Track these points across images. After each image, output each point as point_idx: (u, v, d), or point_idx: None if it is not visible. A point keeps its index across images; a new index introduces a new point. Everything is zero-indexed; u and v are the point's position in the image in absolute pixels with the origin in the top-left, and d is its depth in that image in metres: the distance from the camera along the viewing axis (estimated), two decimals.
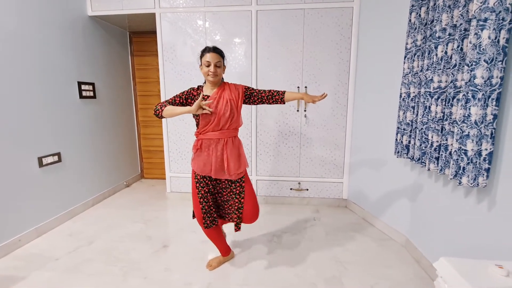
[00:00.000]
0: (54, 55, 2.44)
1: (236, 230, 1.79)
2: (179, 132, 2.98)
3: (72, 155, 2.65)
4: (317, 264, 1.91)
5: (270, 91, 1.67)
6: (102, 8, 2.83)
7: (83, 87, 2.76)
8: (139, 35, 3.54)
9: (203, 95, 1.60)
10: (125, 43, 3.51)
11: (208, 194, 1.71)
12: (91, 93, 2.89)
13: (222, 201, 1.80)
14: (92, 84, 2.90)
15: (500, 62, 1.21)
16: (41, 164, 2.30)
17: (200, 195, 1.69)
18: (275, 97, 1.66)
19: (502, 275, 0.93)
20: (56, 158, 2.45)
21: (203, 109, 1.49)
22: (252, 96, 1.68)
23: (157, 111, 1.55)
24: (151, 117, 3.70)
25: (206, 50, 1.58)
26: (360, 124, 2.64)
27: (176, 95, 1.63)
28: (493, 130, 1.27)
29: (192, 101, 1.63)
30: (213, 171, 1.63)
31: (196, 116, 1.65)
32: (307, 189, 2.92)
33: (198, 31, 2.77)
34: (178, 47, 2.82)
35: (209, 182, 1.71)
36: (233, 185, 1.72)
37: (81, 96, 2.74)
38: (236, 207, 1.74)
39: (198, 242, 2.21)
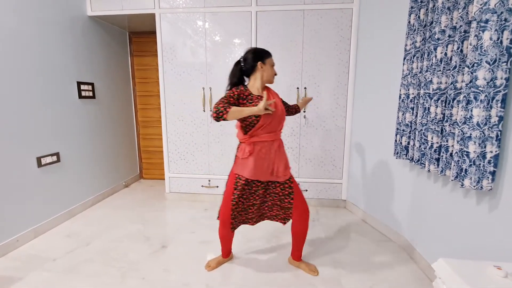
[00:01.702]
0: (53, 55, 2.43)
1: (284, 224, 1.79)
2: (178, 133, 2.98)
3: (71, 155, 2.64)
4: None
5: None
6: (102, 8, 2.83)
7: (82, 87, 2.76)
8: (139, 35, 3.54)
9: (257, 95, 1.61)
10: (125, 43, 3.51)
11: (242, 200, 1.69)
12: (91, 93, 2.89)
13: (266, 205, 1.77)
14: (92, 84, 2.90)
15: (505, 63, 1.19)
16: (39, 164, 2.29)
17: (235, 202, 1.67)
18: (295, 106, 1.91)
19: (500, 276, 0.93)
20: (55, 158, 2.45)
21: (266, 109, 1.46)
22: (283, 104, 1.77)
23: (221, 113, 1.42)
24: (151, 117, 3.69)
25: (269, 53, 1.65)
26: (360, 125, 2.64)
27: (229, 96, 1.52)
28: (499, 132, 1.24)
29: (245, 101, 1.56)
30: (265, 174, 1.62)
31: (248, 119, 1.55)
32: (306, 190, 2.92)
33: (198, 31, 2.78)
34: (178, 48, 2.83)
35: (248, 188, 1.66)
36: (281, 186, 1.70)
37: (80, 96, 2.74)
38: (286, 207, 1.72)
39: (196, 243, 2.20)
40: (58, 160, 2.49)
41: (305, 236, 1.81)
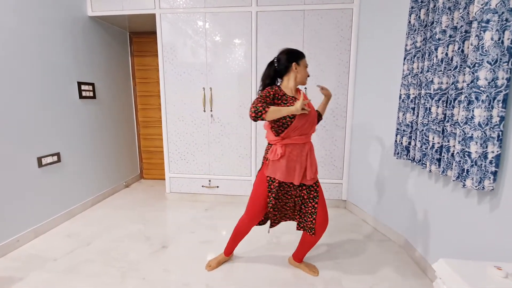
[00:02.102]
0: (54, 55, 2.43)
1: (311, 235, 1.70)
2: (178, 133, 2.98)
3: (71, 155, 2.65)
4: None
5: None
6: (102, 9, 2.83)
7: (83, 87, 2.76)
8: (139, 36, 3.54)
9: (292, 96, 1.59)
10: (125, 43, 3.51)
11: (278, 201, 1.69)
12: (91, 93, 2.89)
13: (295, 209, 1.74)
14: (92, 84, 2.90)
15: (506, 63, 1.19)
16: (40, 164, 2.30)
17: (271, 204, 1.64)
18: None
19: (500, 277, 0.93)
20: (55, 158, 2.45)
21: (303, 109, 1.45)
22: None
23: (260, 113, 1.42)
24: (151, 117, 3.69)
25: (302, 54, 1.62)
26: (360, 125, 2.64)
27: (265, 96, 1.49)
28: (500, 133, 1.24)
29: (280, 102, 1.55)
30: (297, 177, 1.59)
31: (282, 120, 1.54)
32: None
33: (198, 31, 2.78)
34: (178, 48, 2.83)
35: (281, 189, 1.65)
36: (307, 189, 1.65)
37: (80, 96, 2.74)
38: (309, 212, 1.67)
39: (197, 243, 2.20)
40: (59, 160, 2.49)
41: (314, 245, 1.78)
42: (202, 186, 3.05)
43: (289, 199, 1.70)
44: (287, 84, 1.61)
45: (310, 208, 1.66)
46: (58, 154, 2.48)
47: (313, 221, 1.66)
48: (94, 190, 2.99)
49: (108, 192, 3.21)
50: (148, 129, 3.74)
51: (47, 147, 2.37)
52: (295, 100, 1.56)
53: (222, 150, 2.96)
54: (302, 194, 1.68)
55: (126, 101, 3.53)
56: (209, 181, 3.04)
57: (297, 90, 1.66)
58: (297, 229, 1.77)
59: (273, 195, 1.63)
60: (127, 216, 2.69)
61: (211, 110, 2.89)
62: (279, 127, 1.56)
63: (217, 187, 3.03)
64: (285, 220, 1.82)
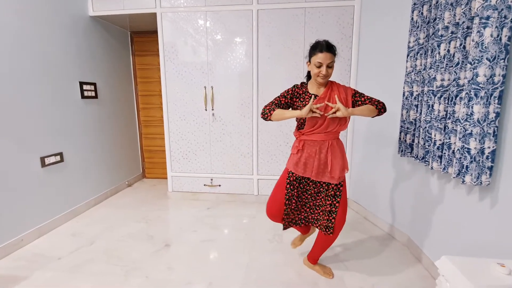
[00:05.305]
0: (55, 55, 2.44)
1: (326, 234, 1.64)
2: (180, 132, 2.99)
3: (74, 155, 2.66)
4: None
5: (372, 100, 1.53)
6: (103, 8, 2.83)
7: (84, 87, 2.77)
8: (140, 35, 3.54)
9: (311, 94, 1.55)
10: (126, 43, 3.52)
11: (295, 197, 1.66)
12: (93, 93, 2.90)
13: (314, 205, 1.70)
14: (94, 84, 2.91)
15: (502, 60, 1.20)
16: (43, 164, 2.31)
17: (288, 197, 1.64)
18: (378, 108, 1.53)
19: (504, 274, 0.92)
20: (58, 158, 2.46)
21: (313, 112, 1.43)
22: (356, 104, 1.55)
23: (266, 115, 1.54)
24: (153, 116, 3.70)
25: (318, 48, 1.45)
26: (362, 122, 2.63)
27: (281, 96, 1.57)
28: (496, 128, 1.26)
29: (298, 100, 1.56)
30: (315, 173, 1.57)
31: (298, 119, 1.60)
32: None
33: (199, 30, 2.77)
34: (179, 47, 2.83)
35: (299, 185, 1.65)
36: (330, 186, 1.60)
37: (82, 96, 2.75)
38: (328, 210, 1.61)
39: (199, 241, 2.21)
40: (62, 160, 2.51)
41: (330, 245, 1.75)
42: (204, 185, 3.06)
43: (309, 199, 1.69)
44: (311, 80, 1.59)
45: (329, 206, 1.61)
46: (61, 154, 2.49)
47: (333, 220, 1.61)
48: (97, 190, 3.01)
49: (111, 191, 3.23)
50: (149, 128, 3.75)
51: (50, 147, 2.39)
52: (315, 98, 1.53)
53: (224, 148, 2.96)
54: (323, 191, 1.63)
55: (127, 100, 3.54)
56: (211, 180, 3.04)
57: (328, 86, 1.55)
58: (315, 226, 1.74)
59: (291, 187, 1.64)
60: (130, 215, 2.71)
61: (213, 109, 2.89)
62: (300, 124, 1.61)
63: (219, 185, 3.04)
64: (298, 224, 1.75)
